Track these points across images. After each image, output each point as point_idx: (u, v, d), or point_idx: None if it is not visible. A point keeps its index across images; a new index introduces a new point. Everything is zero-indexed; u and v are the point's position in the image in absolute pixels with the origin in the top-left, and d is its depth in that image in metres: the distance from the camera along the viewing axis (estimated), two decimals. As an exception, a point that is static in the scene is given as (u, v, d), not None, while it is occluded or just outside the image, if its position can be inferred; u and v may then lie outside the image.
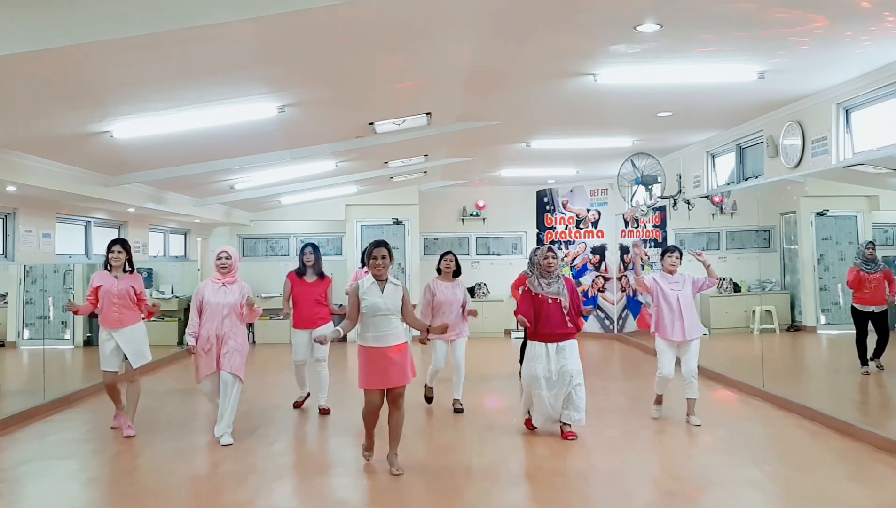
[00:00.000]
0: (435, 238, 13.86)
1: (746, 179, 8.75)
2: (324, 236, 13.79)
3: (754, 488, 4.85)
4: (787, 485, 4.96)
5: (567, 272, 13.60)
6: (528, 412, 6.28)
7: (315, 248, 7.34)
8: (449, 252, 7.39)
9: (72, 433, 6.33)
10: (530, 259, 6.50)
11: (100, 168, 7.33)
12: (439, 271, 7.30)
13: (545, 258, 6.16)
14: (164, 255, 12.08)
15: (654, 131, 8.68)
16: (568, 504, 4.73)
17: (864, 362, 7.82)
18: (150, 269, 11.70)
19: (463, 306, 7.21)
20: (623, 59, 5.50)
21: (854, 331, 7.99)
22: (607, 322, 13.31)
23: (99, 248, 9.62)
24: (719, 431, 6.33)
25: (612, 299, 13.25)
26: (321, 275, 7.30)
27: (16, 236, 7.73)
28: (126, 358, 6.35)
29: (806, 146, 7.08)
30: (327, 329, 7.12)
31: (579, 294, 6.66)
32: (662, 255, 6.80)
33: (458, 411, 7.15)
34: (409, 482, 5.05)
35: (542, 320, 6.06)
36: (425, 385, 7.37)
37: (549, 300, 6.08)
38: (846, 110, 6.57)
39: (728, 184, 9.26)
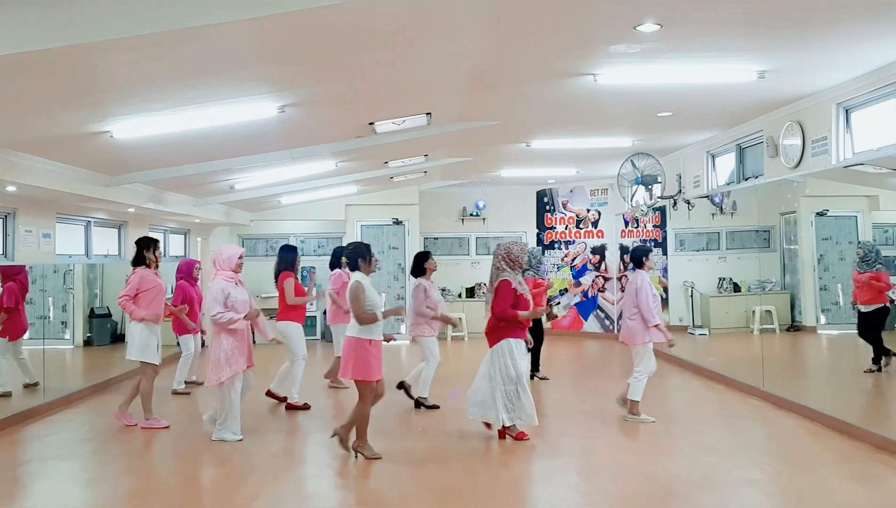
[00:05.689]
0: (435, 238, 13.85)
1: (746, 179, 8.75)
2: (324, 236, 13.79)
3: (754, 488, 4.85)
4: (787, 485, 4.97)
5: (566, 273, 13.62)
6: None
7: None
8: (429, 252, 7.58)
9: (72, 434, 6.33)
10: (528, 259, 6.43)
11: (100, 168, 7.33)
12: (423, 270, 7.31)
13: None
14: (164, 255, 12.06)
15: (654, 131, 8.67)
16: (568, 503, 4.73)
17: None
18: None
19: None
20: (623, 59, 5.49)
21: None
22: (607, 322, 13.30)
23: (99, 248, 9.62)
24: (719, 431, 6.33)
25: (612, 300, 13.25)
26: None
27: (16, 236, 7.72)
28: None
29: (806, 146, 7.08)
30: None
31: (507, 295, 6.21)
32: (647, 255, 6.83)
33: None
34: (411, 476, 5.07)
35: None
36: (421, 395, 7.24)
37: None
38: (846, 110, 6.56)
39: (728, 184, 9.26)
